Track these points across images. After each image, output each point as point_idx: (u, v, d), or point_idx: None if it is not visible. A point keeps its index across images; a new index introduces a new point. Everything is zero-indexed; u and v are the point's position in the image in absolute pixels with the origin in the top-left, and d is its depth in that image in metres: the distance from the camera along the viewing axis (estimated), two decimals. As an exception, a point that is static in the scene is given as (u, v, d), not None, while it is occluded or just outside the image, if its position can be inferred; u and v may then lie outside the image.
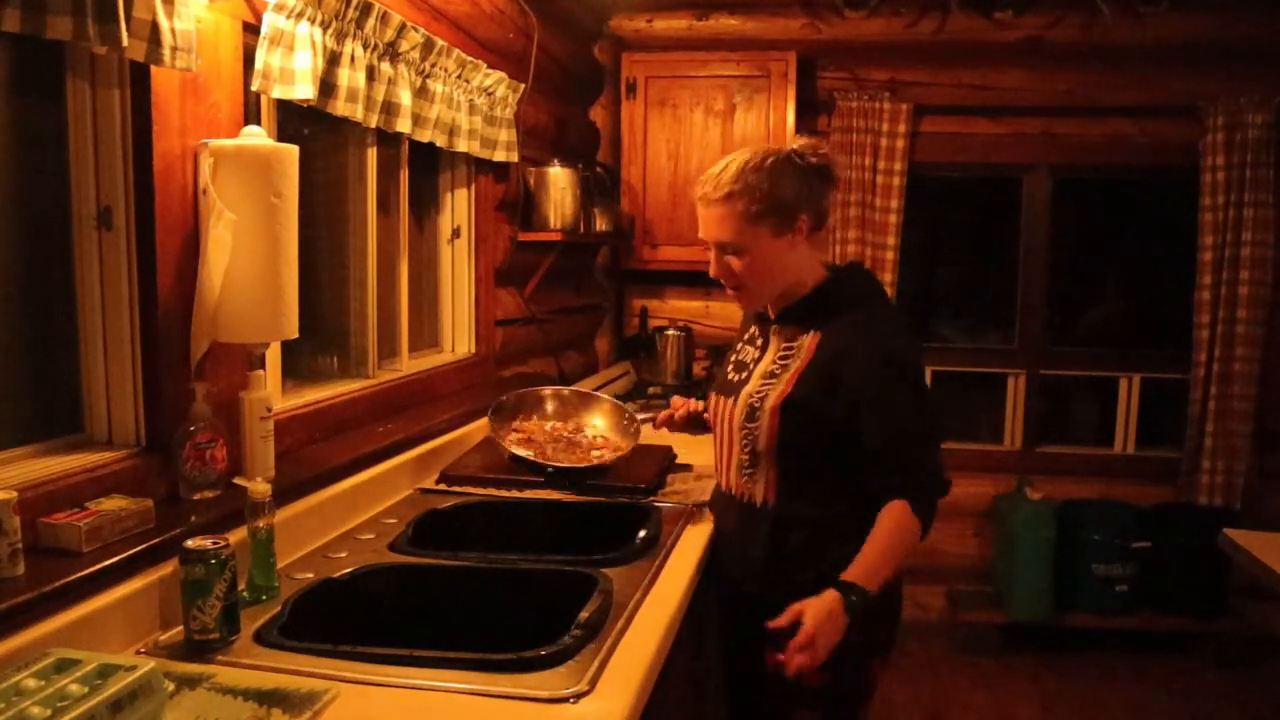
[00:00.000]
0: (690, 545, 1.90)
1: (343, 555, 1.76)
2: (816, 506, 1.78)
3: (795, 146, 1.77)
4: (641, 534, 1.86)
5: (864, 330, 1.74)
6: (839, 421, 1.71)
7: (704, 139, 3.89)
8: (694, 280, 4.23)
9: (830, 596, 1.59)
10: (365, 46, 2.02)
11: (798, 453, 1.77)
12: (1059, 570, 3.89)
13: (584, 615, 1.44)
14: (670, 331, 4.00)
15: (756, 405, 1.79)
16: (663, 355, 3.98)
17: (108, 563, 1.34)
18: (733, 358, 1.96)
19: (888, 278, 4.02)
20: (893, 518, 1.67)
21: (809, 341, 1.78)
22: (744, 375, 1.87)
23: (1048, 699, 3.58)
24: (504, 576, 1.72)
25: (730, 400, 1.87)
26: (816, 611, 1.57)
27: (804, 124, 3.97)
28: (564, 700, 1.23)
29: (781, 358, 1.81)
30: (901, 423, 1.70)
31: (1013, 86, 4.00)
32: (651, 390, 3.80)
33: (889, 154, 3.99)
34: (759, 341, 1.89)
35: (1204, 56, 3.83)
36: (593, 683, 1.28)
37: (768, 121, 3.83)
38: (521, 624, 1.62)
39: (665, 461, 2.43)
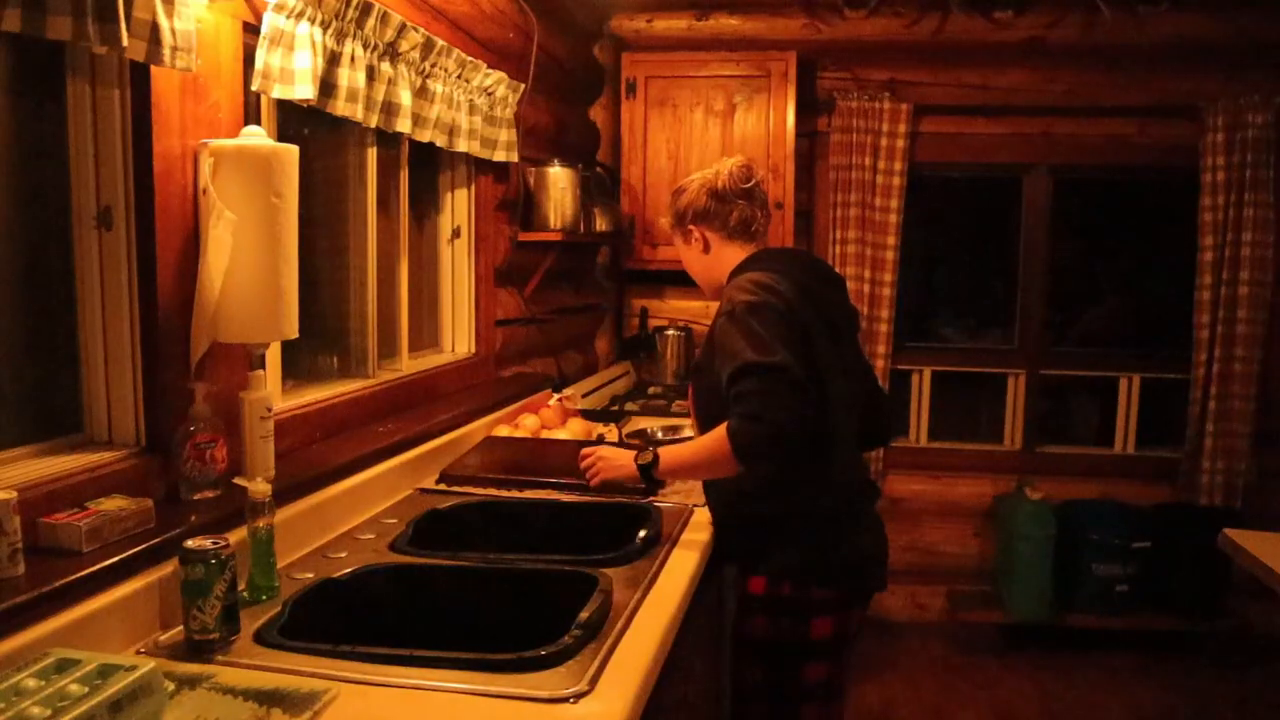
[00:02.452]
0: (690, 545, 1.90)
1: (343, 555, 1.76)
2: None
3: (712, 175, 2.08)
4: (641, 534, 1.86)
5: (726, 296, 1.95)
6: (719, 377, 1.88)
7: (704, 139, 3.89)
8: (694, 280, 4.22)
9: (628, 451, 2.05)
10: (365, 46, 2.02)
11: (707, 413, 1.95)
12: (1059, 570, 3.89)
13: (584, 615, 1.44)
14: (670, 331, 4.00)
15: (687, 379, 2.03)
16: (663, 355, 3.98)
17: (108, 563, 1.33)
18: None
19: (888, 278, 4.02)
20: (715, 431, 1.84)
21: None
22: None
23: (1048, 699, 3.58)
24: (504, 576, 1.72)
25: None
26: (610, 448, 2.11)
27: (804, 124, 3.98)
28: (564, 700, 1.23)
29: None
30: (731, 362, 1.81)
31: (1013, 86, 4.00)
32: (652, 390, 3.80)
33: (889, 154, 3.99)
34: None
35: (1204, 56, 3.83)
36: (593, 683, 1.28)
37: (768, 121, 3.83)
38: (521, 624, 1.62)
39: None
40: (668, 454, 1.96)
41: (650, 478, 1.98)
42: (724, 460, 1.81)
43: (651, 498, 2.17)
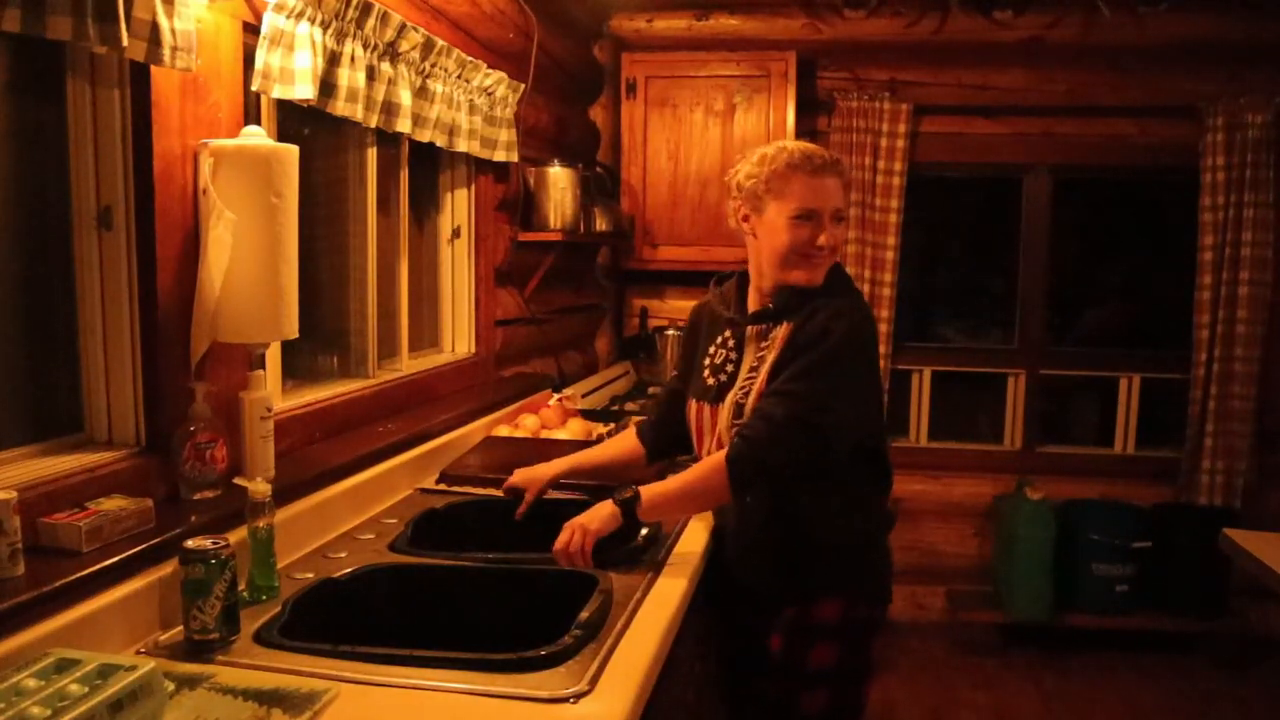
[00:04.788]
0: (690, 545, 1.90)
1: (343, 555, 1.76)
2: (805, 493, 1.85)
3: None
4: (642, 534, 1.86)
5: (823, 314, 1.81)
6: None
7: (704, 139, 3.89)
8: (694, 280, 4.22)
9: (607, 503, 1.79)
10: (365, 46, 2.02)
11: None
12: (1059, 570, 3.89)
13: (584, 615, 1.44)
14: (670, 331, 4.00)
15: (742, 402, 1.86)
16: (663, 355, 3.98)
17: (108, 563, 1.33)
18: (706, 362, 2.00)
19: (888, 278, 4.02)
20: (706, 462, 1.82)
21: (781, 333, 1.85)
22: (724, 377, 1.94)
23: (1048, 699, 3.58)
24: (504, 576, 1.72)
25: (713, 404, 1.94)
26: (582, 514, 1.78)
27: (804, 124, 3.98)
28: (564, 700, 1.23)
29: (759, 354, 1.89)
30: (788, 382, 1.77)
31: (1013, 86, 4.00)
32: (651, 390, 3.79)
33: (889, 154, 3.99)
34: (731, 344, 1.96)
35: (1204, 56, 3.83)
36: (593, 683, 1.28)
37: (768, 121, 3.83)
38: (521, 624, 1.62)
39: (665, 462, 2.43)
40: (650, 489, 1.82)
41: (633, 515, 1.77)
42: (719, 490, 1.79)
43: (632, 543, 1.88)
